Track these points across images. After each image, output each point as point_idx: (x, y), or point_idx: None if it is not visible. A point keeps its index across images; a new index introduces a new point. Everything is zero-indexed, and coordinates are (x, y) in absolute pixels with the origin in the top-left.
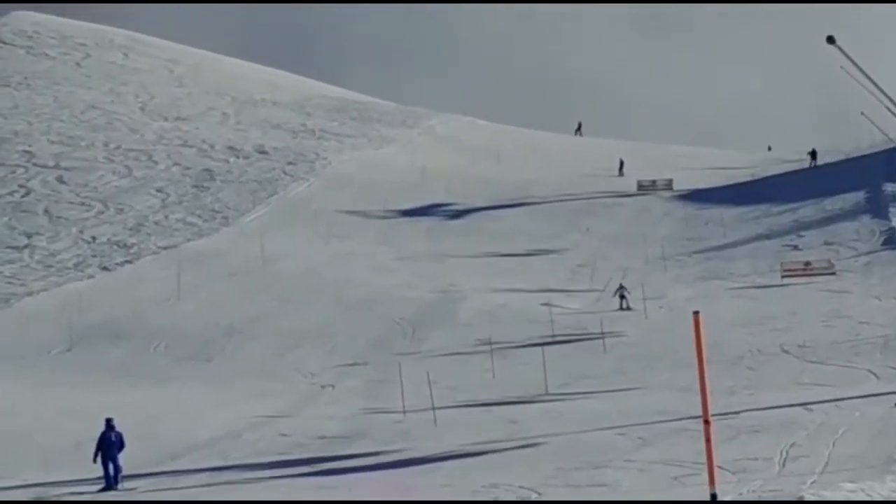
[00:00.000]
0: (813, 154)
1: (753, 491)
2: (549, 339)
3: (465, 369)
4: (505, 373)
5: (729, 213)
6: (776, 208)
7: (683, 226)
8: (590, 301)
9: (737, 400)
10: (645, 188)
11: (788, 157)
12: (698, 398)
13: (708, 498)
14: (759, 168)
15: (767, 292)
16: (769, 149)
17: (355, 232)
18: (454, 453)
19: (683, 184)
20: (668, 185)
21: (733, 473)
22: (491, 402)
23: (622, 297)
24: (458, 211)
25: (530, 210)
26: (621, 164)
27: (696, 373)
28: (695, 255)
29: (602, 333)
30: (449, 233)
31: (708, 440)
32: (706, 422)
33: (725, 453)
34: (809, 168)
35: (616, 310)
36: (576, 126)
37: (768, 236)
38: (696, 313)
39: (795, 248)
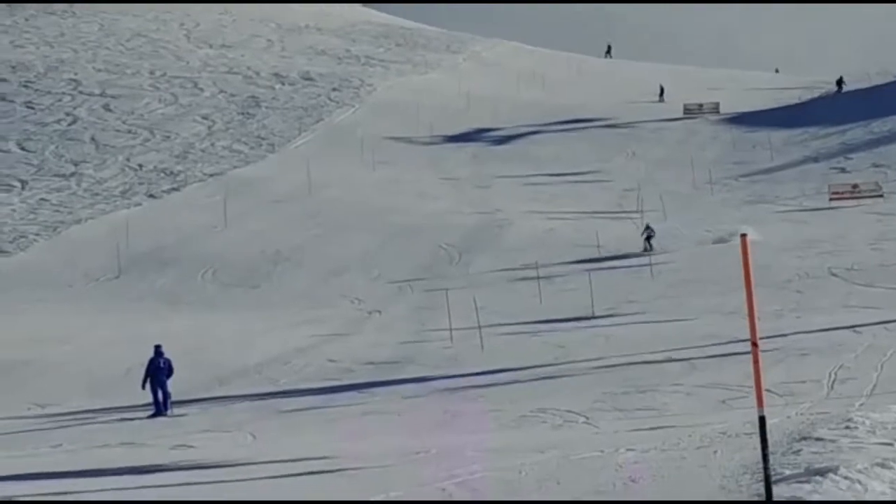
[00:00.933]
0: (839, 81)
1: (801, 413)
2: (597, 265)
3: (511, 295)
4: (552, 298)
5: (776, 136)
6: (824, 131)
7: (730, 149)
8: (634, 226)
9: (784, 323)
10: (691, 112)
11: (816, 84)
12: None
13: (756, 419)
14: (808, 90)
15: (815, 215)
16: (776, 70)
17: (401, 158)
18: (501, 379)
19: (730, 107)
20: (715, 108)
21: (781, 396)
22: (538, 327)
23: (648, 238)
24: (503, 136)
25: (576, 135)
26: (662, 90)
27: (744, 297)
28: (742, 179)
29: (650, 258)
30: (494, 158)
31: (756, 362)
32: (754, 344)
33: (773, 376)
34: (836, 94)
35: (642, 252)
36: (605, 48)
37: (816, 159)
38: (743, 235)
39: (843, 170)
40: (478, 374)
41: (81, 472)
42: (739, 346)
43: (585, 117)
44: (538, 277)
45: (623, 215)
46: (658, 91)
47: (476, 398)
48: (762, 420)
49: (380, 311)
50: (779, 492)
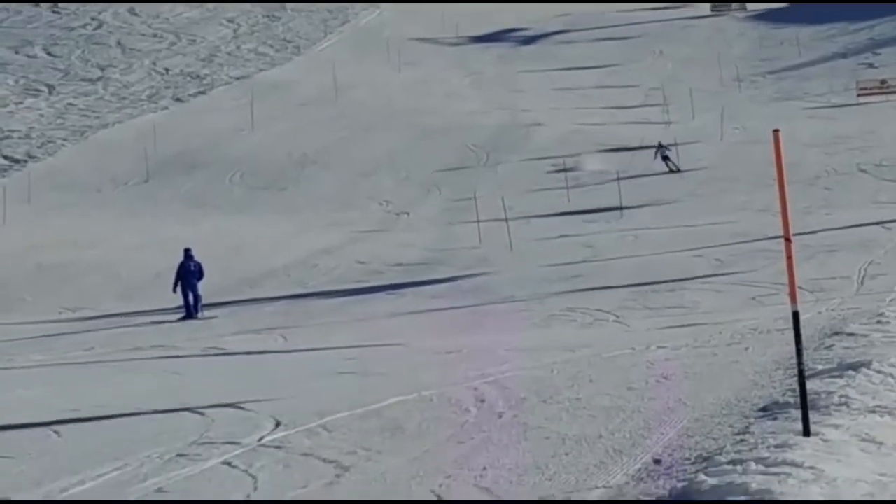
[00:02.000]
0: None
1: (832, 309)
2: (624, 165)
3: (540, 195)
4: (580, 197)
5: (804, 32)
6: (852, 26)
7: (758, 46)
8: (661, 124)
9: (814, 220)
10: (718, 8)
11: None
12: (774, 219)
13: (790, 315)
14: None
15: (843, 111)
16: None
17: (427, 59)
18: (530, 278)
19: (757, 3)
20: (742, 5)
21: (811, 293)
22: (567, 226)
23: (665, 157)
24: (529, 36)
25: (603, 34)
26: None
27: (772, 194)
28: (769, 76)
29: (678, 157)
30: (521, 58)
31: (789, 257)
32: (787, 239)
33: (803, 272)
34: None
35: (665, 172)
36: None
37: (844, 55)
38: (776, 131)
39: (871, 66)
40: (506, 273)
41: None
42: (768, 243)
43: (612, 17)
44: (566, 177)
45: (650, 114)
46: None
47: (505, 297)
48: (796, 315)
49: (408, 213)
50: (812, 387)
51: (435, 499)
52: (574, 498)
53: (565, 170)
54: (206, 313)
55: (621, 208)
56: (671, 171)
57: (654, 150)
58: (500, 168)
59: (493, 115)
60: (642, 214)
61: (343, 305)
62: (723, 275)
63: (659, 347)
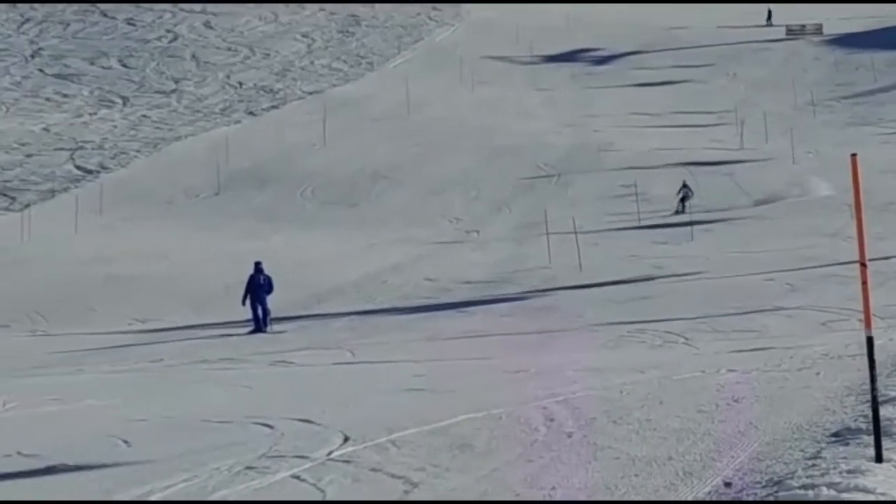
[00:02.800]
0: None
1: None
2: (696, 187)
3: (610, 215)
4: (650, 218)
5: (880, 57)
6: None
7: (833, 71)
8: (735, 145)
9: (886, 246)
10: (794, 33)
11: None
12: (845, 244)
13: (861, 341)
14: None
15: None
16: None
17: (500, 78)
18: (599, 298)
19: (833, 28)
20: (818, 29)
21: (883, 319)
22: (637, 247)
23: (684, 198)
24: (603, 56)
25: (676, 55)
26: (769, 13)
27: (843, 219)
28: (844, 101)
29: (747, 181)
30: (594, 78)
31: (864, 282)
32: (863, 264)
33: (876, 299)
34: None
35: (674, 213)
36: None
37: None
38: (853, 156)
39: None
40: (576, 293)
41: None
42: (839, 268)
43: (687, 38)
44: (637, 197)
45: (723, 136)
46: (766, 15)
47: (574, 317)
48: (870, 340)
49: (478, 231)
50: (884, 413)
51: None
52: None
53: (635, 191)
54: (275, 327)
55: (691, 229)
56: (678, 211)
57: (679, 188)
58: (571, 188)
59: (564, 135)
60: (713, 237)
61: (411, 322)
62: (793, 298)
63: (729, 371)
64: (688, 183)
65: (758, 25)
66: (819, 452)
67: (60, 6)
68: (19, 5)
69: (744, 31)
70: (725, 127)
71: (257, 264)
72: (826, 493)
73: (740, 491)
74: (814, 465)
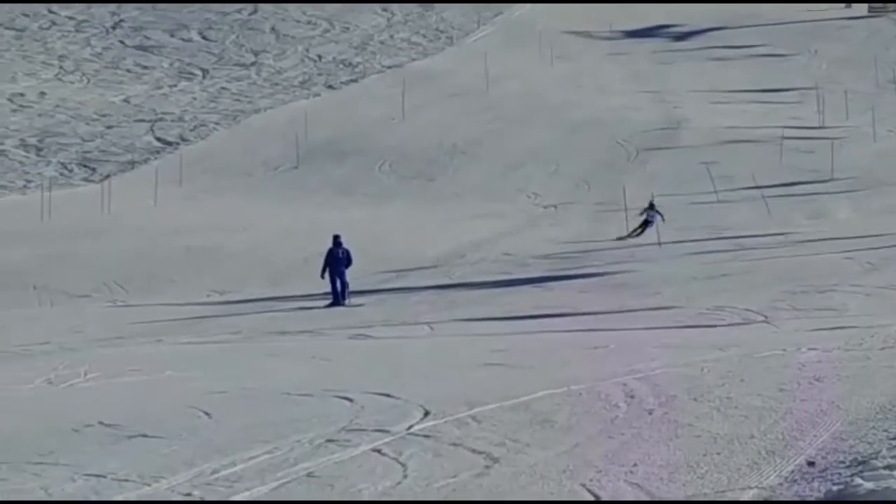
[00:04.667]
0: None
1: None
2: (776, 165)
3: (688, 192)
4: (730, 196)
5: None
6: None
7: None
8: (815, 125)
9: None
10: (876, 10)
11: None
12: None
13: None
14: None
15: None
16: None
17: (579, 53)
18: (678, 276)
19: None
20: None
21: None
22: (716, 226)
23: (647, 222)
24: (683, 32)
25: (756, 32)
26: None
27: None
28: None
29: (831, 157)
30: (674, 54)
31: None
32: None
33: None
34: None
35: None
36: None
37: None
38: None
39: None
40: (654, 270)
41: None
42: None
43: (768, 14)
44: (712, 178)
45: (803, 113)
46: None
47: (653, 294)
48: None
49: (556, 206)
50: None
51: (588, 495)
52: (728, 496)
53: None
54: (354, 301)
55: (768, 207)
56: (634, 234)
57: (644, 208)
58: (650, 164)
59: (643, 111)
60: (792, 214)
61: (489, 297)
62: (873, 278)
63: (810, 349)
64: (655, 203)
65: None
66: None
67: None
68: None
69: (825, 7)
70: (806, 104)
71: (336, 237)
72: None
73: (824, 470)
74: None
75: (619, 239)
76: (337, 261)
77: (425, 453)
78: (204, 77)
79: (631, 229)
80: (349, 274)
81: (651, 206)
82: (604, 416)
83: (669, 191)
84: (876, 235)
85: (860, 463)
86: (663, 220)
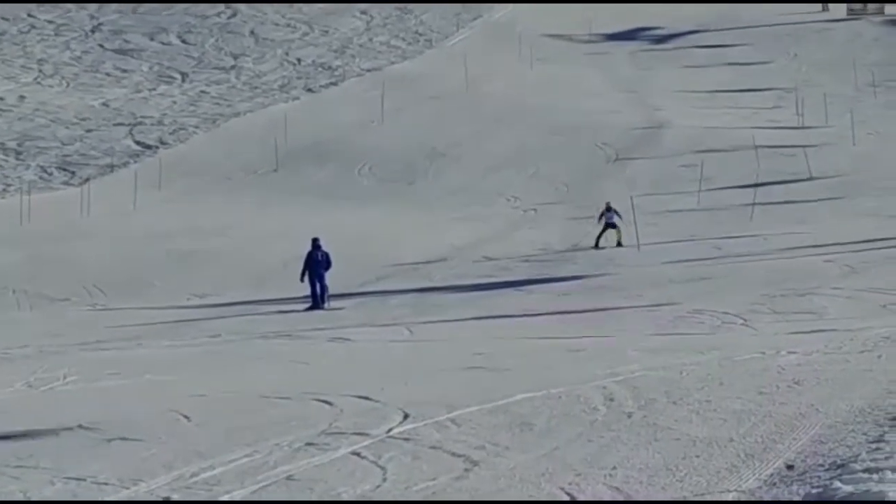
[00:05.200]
0: None
1: None
2: (755, 168)
3: (669, 195)
4: (711, 199)
5: None
6: None
7: (895, 51)
8: (794, 128)
9: None
10: (855, 13)
11: None
12: None
13: None
14: None
15: None
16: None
17: (559, 56)
18: (658, 279)
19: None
20: (880, 9)
21: None
22: (695, 228)
23: (609, 224)
24: (663, 35)
25: (736, 34)
26: None
27: None
28: None
29: (808, 161)
30: (654, 57)
31: None
32: None
33: None
34: None
35: (590, 247)
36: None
37: None
38: None
39: None
40: (634, 274)
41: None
42: None
43: (746, 17)
44: (700, 179)
45: (783, 116)
46: None
47: (633, 297)
48: None
49: (535, 209)
50: None
51: (566, 497)
52: (707, 500)
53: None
54: (333, 304)
55: (752, 209)
56: (595, 246)
57: (600, 213)
58: (630, 167)
59: (623, 114)
60: (772, 217)
61: (469, 300)
62: (853, 280)
63: (789, 352)
64: (612, 206)
65: (813, 12)
66: (882, 436)
67: None
68: None
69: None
70: (785, 107)
71: (315, 241)
72: (891, 477)
73: (803, 474)
74: (877, 449)
75: (596, 248)
76: (316, 263)
77: (405, 456)
78: (183, 80)
79: (596, 237)
80: (328, 277)
81: (608, 209)
82: (583, 419)
83: (650, 192)
84: (855, 241)
85: (839, 466)
86: (621, 219)
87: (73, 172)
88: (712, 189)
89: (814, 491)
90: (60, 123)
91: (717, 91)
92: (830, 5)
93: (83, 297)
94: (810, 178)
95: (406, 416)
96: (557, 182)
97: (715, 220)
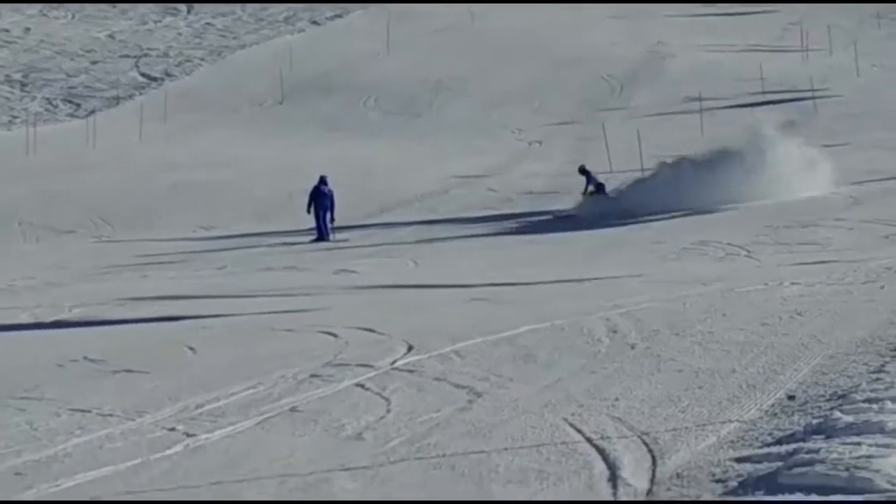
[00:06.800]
0: None
1: None
2: (760, 99)
3: (673, 127)
4: (714, 130)
5: None
6: None
7: None
8: (798, 61)
9: None
10: None
11: None
12: None
13: None
14: None
15: None
16: None
17: None
18: (664, 212)
19: None
20: None
21: None
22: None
23: (598, 185)
24: None
25: None
26: None
27: None
28: None
29: (812, 92)
30: None
31: None
32: None
33: None
34: None
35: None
36: None
37: None
38: None
39: None
40: (640, 204)
41: (243, 294)
42: None
43: None
44: (700, 110)
45: (787, 48)
46: None
47: (639, 230)
48: None
49: (540, 142)
50: None
51: (570, 429)
52: (709, 430)
53: (700, 101)
54: (338, 236)
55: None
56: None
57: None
58: (634, 99)
59: (628, 47)
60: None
61: (473, 232)
62: (856, 212)
63: (792, 283)
64: (586, 167)
65: None
66: (883, 367)
67: None
68: None
69: None
70: (788, 38)
71: (322, 178)
72: (891, 407)
73: (804, 404)
74: (878, 380)
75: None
76: (322, 196)
77: (409, 388)
78: (189, 13)
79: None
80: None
81: (582, 171)
82: (586, 350)
83: (654, 124)
84: (859, 169)
85: (840, 396)
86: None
87: (78, 104)
88: (715, 120)
89: (814, 421)
90: (66, 55)
91: (721, 23)
92: None
93: (89, 229)
94: (815, 111)
95: (410, 348)
96: (562, 115)
97: (719, 150)
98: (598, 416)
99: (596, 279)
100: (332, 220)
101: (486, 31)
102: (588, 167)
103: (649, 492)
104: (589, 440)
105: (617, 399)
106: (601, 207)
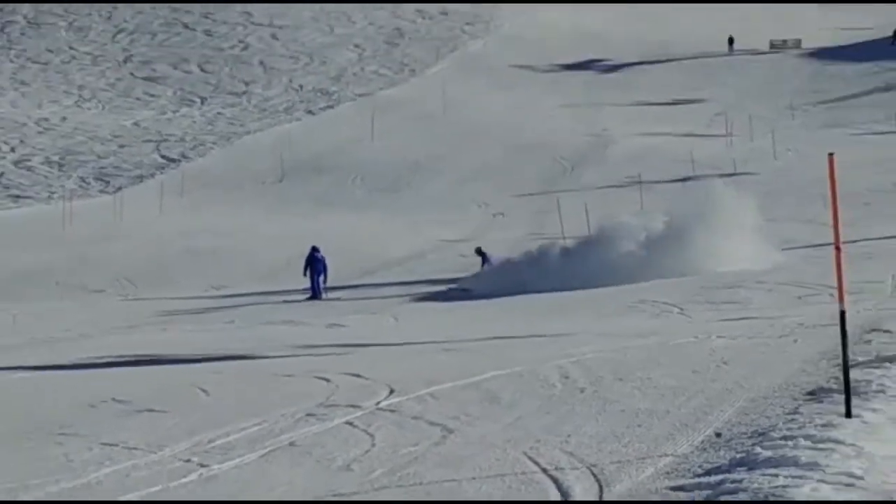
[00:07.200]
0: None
1: (869, 309)
2: (690, 176)
3: (616, 202)
4: (652, 205)
5: (851, 68)
6: (893, 64)
7: (810, 80)
8: (724, 145)
9: (853, 231)
10: (776, 47)
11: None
12: (820, 229)
13: (834, 313)
14: (879, 30)
15: (884, 138)
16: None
17: (524, 83)
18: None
19: (811, 43)
20: (797, 44)
21: (850, 294)
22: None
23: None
24: (611, 65)
25: (673, 66)
26: (731, 40)
27: (817, 207)
28: (820, 106)
29: (735, 172)
30: (604, 85)
31: (839, 265)
32: (837, 248)
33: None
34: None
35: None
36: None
37: (886, 89)
38: (831, 155)
39: None
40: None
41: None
42: (813, 250)
43: (681, 51)
44: (640, 187)
45: (714, 134)
46: (728, 41)
47: (583, 294)
48: (842, 314)
49: (503, 214)
50: (853, 375)
51: (529, 462)
52: (647, 463)
53: (639, 181)
54: (330, 295)
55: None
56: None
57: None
58: (583, 177)
59: (578, 133)
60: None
61: (446, 292)
62: (775, 276)
63: (718, 337)
64: (482, 248)
65: (721, 53)
66: (797, 408)
67: (149, 19)
68: (114, 18)
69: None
70: (715, 127)
71: (314, 248)
72: (804, 444)
73: (729, 440)
74: (792, 420)
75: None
76: (316, 261)
77: (391, 426)
78: (202, 104)
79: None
80: (325, 278)
81: (480, 252)
82: (542, 393)
83: (600, 199)
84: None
85: (760, 434)
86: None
87: (107, 182)
88: (653, 196)
89: (738, 455)
90: (97, 140)
91: (656, 113)
92: (735, 43)
93: (116, 289)
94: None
95: (392, 391)
96: (522, 190)
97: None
98: (553, 451)
99: (549, 335)
100: (325, 281)
101: (458, 119)
102: (484, 249)
103: None
104: (545, 471)
105: (569, 435)
106: (490, 283)
